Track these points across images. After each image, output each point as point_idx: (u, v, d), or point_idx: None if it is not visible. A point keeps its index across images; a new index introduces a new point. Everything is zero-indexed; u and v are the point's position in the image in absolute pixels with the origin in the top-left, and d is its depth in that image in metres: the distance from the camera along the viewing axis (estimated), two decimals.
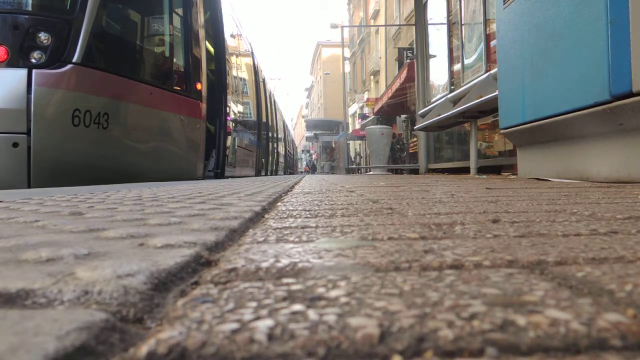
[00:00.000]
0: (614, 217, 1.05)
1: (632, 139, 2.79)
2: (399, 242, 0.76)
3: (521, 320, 0.37)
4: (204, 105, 6.86)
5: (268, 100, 15.95)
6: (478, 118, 6.37)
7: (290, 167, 33.63)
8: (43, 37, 4.27)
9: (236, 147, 9.55)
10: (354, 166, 20.76)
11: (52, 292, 0.45)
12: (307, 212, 1.28)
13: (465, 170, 6.91)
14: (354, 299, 0.43)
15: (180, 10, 6.44)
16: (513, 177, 4.60)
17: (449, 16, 8.10)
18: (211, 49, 7.92)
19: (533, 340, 0.33)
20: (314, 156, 47.43)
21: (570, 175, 3.39)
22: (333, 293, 0.46)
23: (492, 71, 5.69)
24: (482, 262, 0.59)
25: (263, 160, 14.20)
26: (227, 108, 8.42)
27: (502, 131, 4.42)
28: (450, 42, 8.09)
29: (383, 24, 25.07)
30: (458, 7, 7.63)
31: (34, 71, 4.13)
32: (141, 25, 5.93)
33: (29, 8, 4.60)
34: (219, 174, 8.02)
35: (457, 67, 7.74)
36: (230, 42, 9.35)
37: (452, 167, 8.15)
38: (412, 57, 12.54)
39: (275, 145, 18.67)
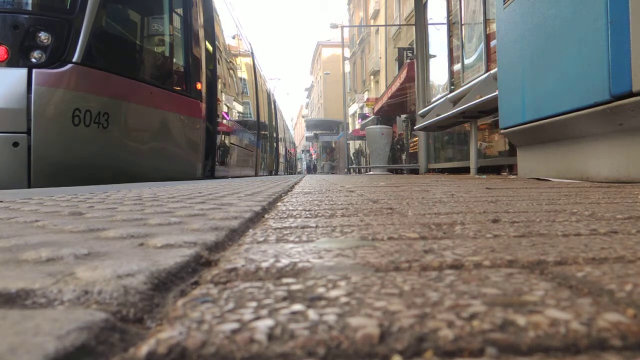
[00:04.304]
0: (614, 217, 1.05)
1: (632, 139, 2.79)
2: (399, 242, 0.76)
3: (521, 320, 0.37)
4: (203, 105, 6.86)
5: (268, 100, 15.96)
6: (478, 118, 6.37)
7: (291, 167, 33.62)
8: (43, 36, 4.27)
9: (235, 146, 9.54)
10: (353, 166, 20.76)
11: (52, 292, 0.45)
12: (307, 212, 1.28)
13: (465, 170, 6.91)
14: (354, 299, 0.43)
15: (180, 10, 6.44)
16: (513, 177, 4.60)
17: (449, 16, 8.10)
18: (210, 49, 7.92)
19: (533, 340, 0.33)
20: (314, 156, 47.38)
21: (571, 175, 3.39)
22: (333, 293, 0.46)
23: (492, 71, 5.69)
24: (482, 262, 0.59)
25: (263, 160, 14.19)
26: (226, 107, 8.40)
27: (502, 131, 4.42)
28: (450, 42, 8.09)
29: (383, 24, 25.05)
30: (458, 7, 7.63)
31: (34, 71, 4.13)
32: (141, 25, 5.92)
33: (29, 8, 4.60)
34: (210, 175, 7.83)
35: (457, 67, 7.74)
36: (230, 42, 9.34)
37: (452, 167, 8.15)
38: (412, 57, 12.53)
39: (275, 145, 18.67)
